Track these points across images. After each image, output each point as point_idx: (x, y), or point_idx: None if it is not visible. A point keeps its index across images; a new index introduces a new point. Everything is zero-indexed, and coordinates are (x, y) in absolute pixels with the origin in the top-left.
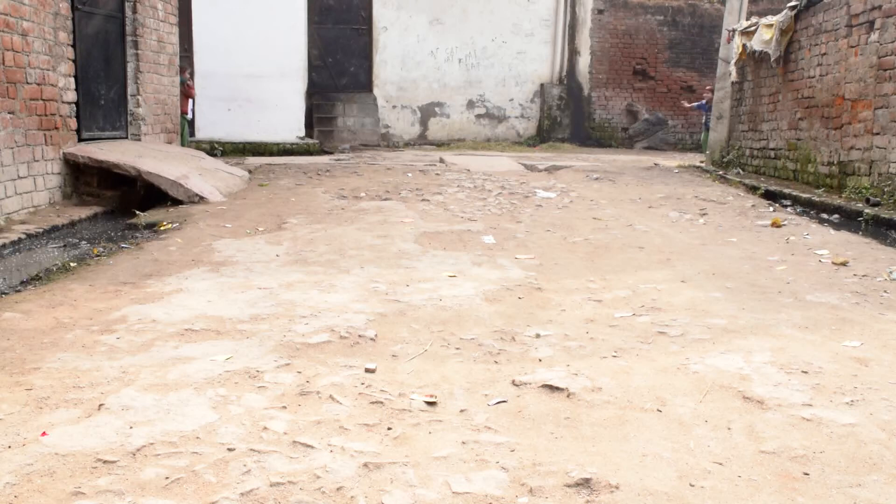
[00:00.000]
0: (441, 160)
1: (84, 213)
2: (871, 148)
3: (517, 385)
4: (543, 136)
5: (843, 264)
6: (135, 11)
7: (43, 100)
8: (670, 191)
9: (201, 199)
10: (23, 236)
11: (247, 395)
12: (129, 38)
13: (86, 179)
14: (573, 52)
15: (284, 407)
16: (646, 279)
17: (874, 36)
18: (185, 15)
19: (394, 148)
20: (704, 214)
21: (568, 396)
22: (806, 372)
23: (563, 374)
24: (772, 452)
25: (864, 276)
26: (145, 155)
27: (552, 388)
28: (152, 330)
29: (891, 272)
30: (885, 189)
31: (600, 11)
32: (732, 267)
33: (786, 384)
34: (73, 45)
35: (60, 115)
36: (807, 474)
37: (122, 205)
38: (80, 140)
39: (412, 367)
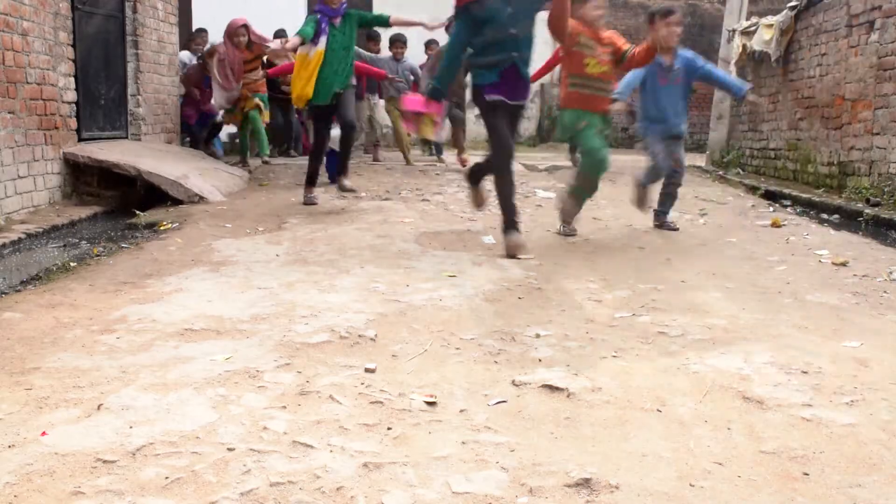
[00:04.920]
0: (441, 160)
1: (84, 212)
2: (871, 148)
3: (517, 385)
4: (543, 136)
5: (843, 264)
6: (135, 11)
7: (43, 99)
8: None
9: (201, 199)
10: (23, 236)
11: (247, 394)
12: (129, 38)
13: (86, 179)
14: None
15: (284, 407)
16: (646, 279)
17: (874, 36)
18: (185, 15)
19: (394, 148)
20: (704, 214)
21: (568, 396)
22: (806, 372)
23: (563, 374)
24: (772, 452)
25: (864, 276)
26: (145, 155)
27: (552, 388)
28: (152, 330)
29: (891, 272)
30: (885, 189)
31: None
32: (732, 267)
33: (786, 384)
34: (73, 45)
35: (60, 115)
36: (807, 474)
37: (122, 205)
38: (80, 140)
39: (412, 367)
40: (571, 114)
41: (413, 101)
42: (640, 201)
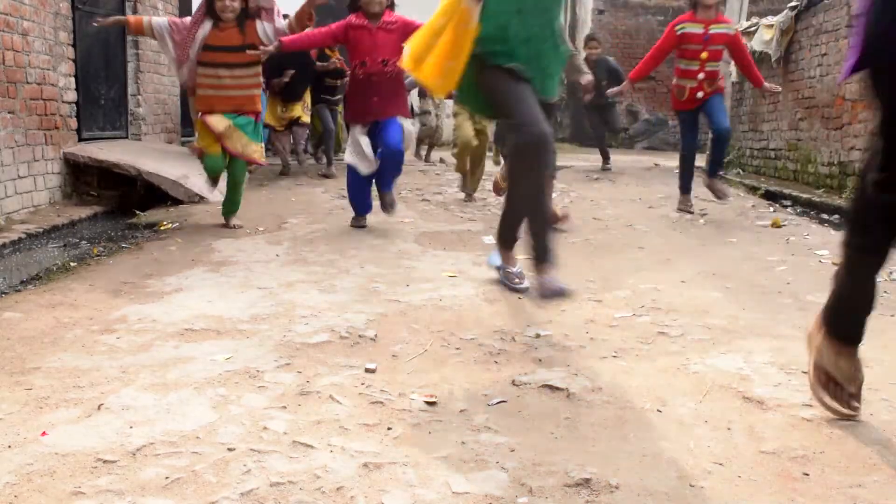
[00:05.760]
0: (441, 160)
1: (84, 212)
2: None
3: (517, 385)
4: None
5: None
6: (135, 11)
7: (43, 99)
8: (670, 191)
9: (201, 199)
10: (23, 236)
11: (247, 394)
12: (129, 38)
13: (86, 179)
14: None
15: (284, 407)
16: (646, 279)
17: None
18: (185, 14)
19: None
20: (704, 214)
21: (568, 396)
22: (806, 372)
23: (563, 374)
24: (772, 452)
25: None
26: (145, 155)
27: (552, 389)
28: (152, 330)
29: (891, 272)
30: None
31: (600, 12)
32: (732, 267)
33: (786, 384)
34: (74, 45)
35: (61, 115)
36: (807, 474)
37: (122, 205)
38: (80, 140)
39: (412, 367)
40: None
41: None
42: None
